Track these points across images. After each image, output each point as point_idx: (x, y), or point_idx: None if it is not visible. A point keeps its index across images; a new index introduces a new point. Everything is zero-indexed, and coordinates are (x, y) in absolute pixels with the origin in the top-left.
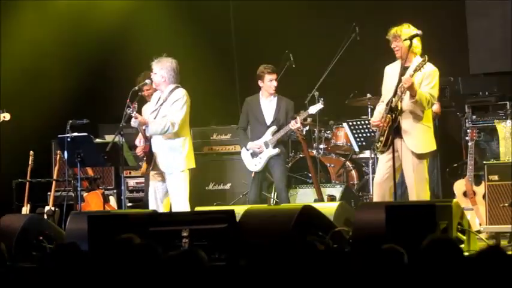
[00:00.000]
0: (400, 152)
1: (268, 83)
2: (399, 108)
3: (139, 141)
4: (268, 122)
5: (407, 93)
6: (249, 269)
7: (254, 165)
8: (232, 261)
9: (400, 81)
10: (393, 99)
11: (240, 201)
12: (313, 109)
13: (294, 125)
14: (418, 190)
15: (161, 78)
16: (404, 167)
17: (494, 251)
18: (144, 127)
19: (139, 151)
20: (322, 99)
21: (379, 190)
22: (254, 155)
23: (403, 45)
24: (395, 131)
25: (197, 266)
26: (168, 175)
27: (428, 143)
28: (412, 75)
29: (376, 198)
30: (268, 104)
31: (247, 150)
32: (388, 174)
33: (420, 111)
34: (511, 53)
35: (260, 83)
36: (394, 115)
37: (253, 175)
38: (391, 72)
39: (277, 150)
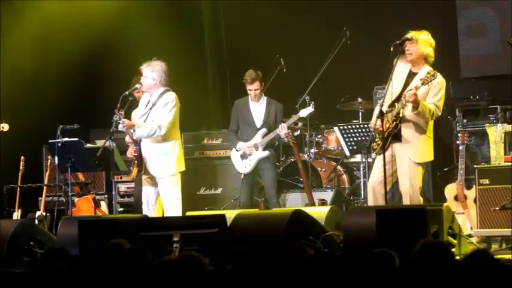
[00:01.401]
0: (397, 158)
1: (249, 91)
2: (401, 115)
3: (128, 139)
4: (258, 125)
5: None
6: (238, 274)
7: (244, 167)
8: (223, 266)
9: (406, 86)
10: (396, 104)
11: (231, 206)
12: (304, 112)
13: (281, 130)
14: (412, 198)
15: (152, 80)
16: (399, 173)
17: (482, 254)
18: (131, 130)
19: (129, 154)
20: (312, 102)
21: (373, 193)
22: (244, 156)
23: (417, 49)
24: (394, 136)
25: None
26: (159, 179)
27: (427, 153)
28: (418, 88)
29: (369, 201)
30: (257, 107)
31: (237, 150)
32: (382, 179)
33: (423, 120)
34: (505, 57)
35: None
36: (396, 122)
37: (242, 177)
38: (397, 73)
39: (267, 152)
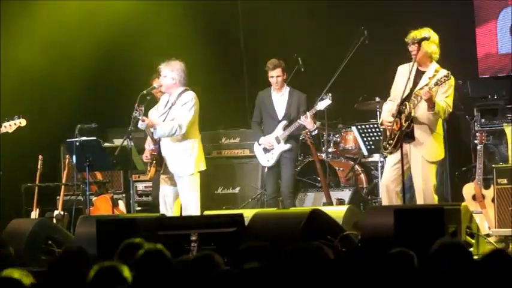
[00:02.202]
0: (410, 156)
1: (271, 79)
2: (413, 114)
3: (148, 145)
4: (280, 117)
5: (423, 101)
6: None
7: (267, 160)
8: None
9: (415, 85)
10: (407, 103)
11: (249, 205)
12: (321, 105)
13: (304, 120)
14: (426, 195)
15: (172, 80)
16: (413, 172)
17: (500, 254)
18: (151, 129)
19: (146, 156)
20: (329, 94)
21: (386, 192)
22: (266, 150)
23: (421, 50)
24: (407, 135)
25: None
26: (178, 178)
27: (439, 151)
28: (432, 88)
29: (383, 200)
30: (279, 98)
31: (259, 145)
32: (394, 177)
33: (434, 119)
34: None
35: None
36: (408, 121)
37: (266, 170)
38: (404, 73)
39: (288, 145)
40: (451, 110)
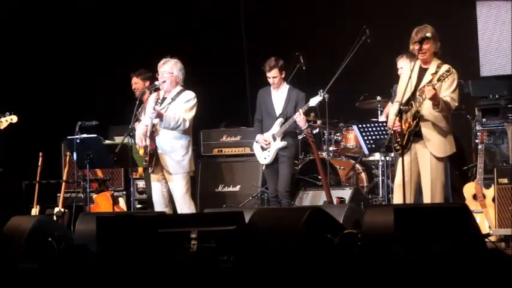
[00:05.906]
0: (418, 155)
1: (268, 79)
2: (420, 112)
3: (141, 141)
4: (277, 114)
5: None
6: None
7: (264, 158)
8: (241, 263)
9: (418, 83)
10: (413, 102)
11: (250, 203)
12: (313, 101)
13: (298, 116)
14: (433, 191)
15: (176, 78)
16: (421, 168)
17: (497, 253)
18: (156, 120)
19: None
20: (321, 90)
21: (400, 193)
22: (264, 148)
23: (430, 47)
24: (415, 134)
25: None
26: (174, 175)
27: (448, 147)
28: (435, 85)
29: (396, 200)
30: (278, 95)
31: (257, 142)
32: (407, 177)
33: (441, 115)
34: None
35: None
36: (416, 120)
37: (264, 168)
38: (407, 73)
39: (284, 142)
40: (457, 104)
